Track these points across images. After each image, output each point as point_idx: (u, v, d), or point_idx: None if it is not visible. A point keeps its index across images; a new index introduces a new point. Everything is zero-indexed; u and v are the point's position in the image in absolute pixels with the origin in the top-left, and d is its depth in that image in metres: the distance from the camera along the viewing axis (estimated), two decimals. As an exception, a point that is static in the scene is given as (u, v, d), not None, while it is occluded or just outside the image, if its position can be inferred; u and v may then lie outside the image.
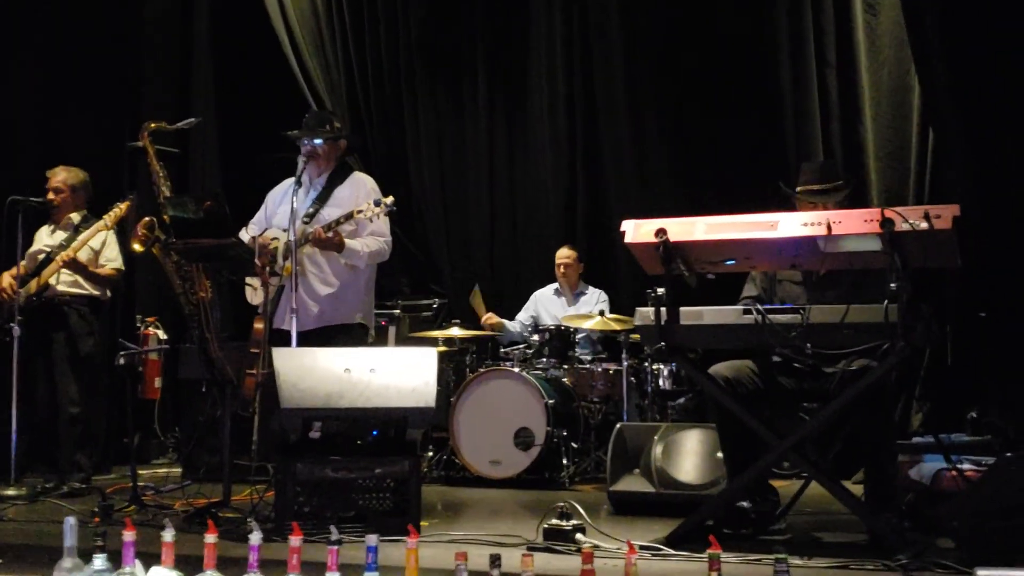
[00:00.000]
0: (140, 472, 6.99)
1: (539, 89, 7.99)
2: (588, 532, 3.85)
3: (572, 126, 7.87)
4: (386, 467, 4.18)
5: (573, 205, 7.86)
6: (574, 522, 3.80)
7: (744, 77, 7.17)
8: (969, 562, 3.29)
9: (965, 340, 5.13)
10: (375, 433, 4.23)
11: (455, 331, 6.72)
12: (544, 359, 6.50)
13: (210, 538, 3.25)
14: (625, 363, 6.32)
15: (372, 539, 3.04)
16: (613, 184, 7.70)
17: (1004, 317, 3.76)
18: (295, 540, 3.13)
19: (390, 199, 4.95)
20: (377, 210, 4.86)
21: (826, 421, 3.87)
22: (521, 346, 6.74)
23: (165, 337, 7.93)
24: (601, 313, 6.52)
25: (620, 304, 7.10)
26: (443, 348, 6.81)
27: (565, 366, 6.54)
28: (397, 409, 4.21)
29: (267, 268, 4.77)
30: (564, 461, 6.06)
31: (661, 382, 6.43)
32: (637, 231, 4.03)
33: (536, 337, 6.60)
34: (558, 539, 3.77)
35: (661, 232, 3.93)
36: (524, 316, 7.22)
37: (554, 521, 3.81)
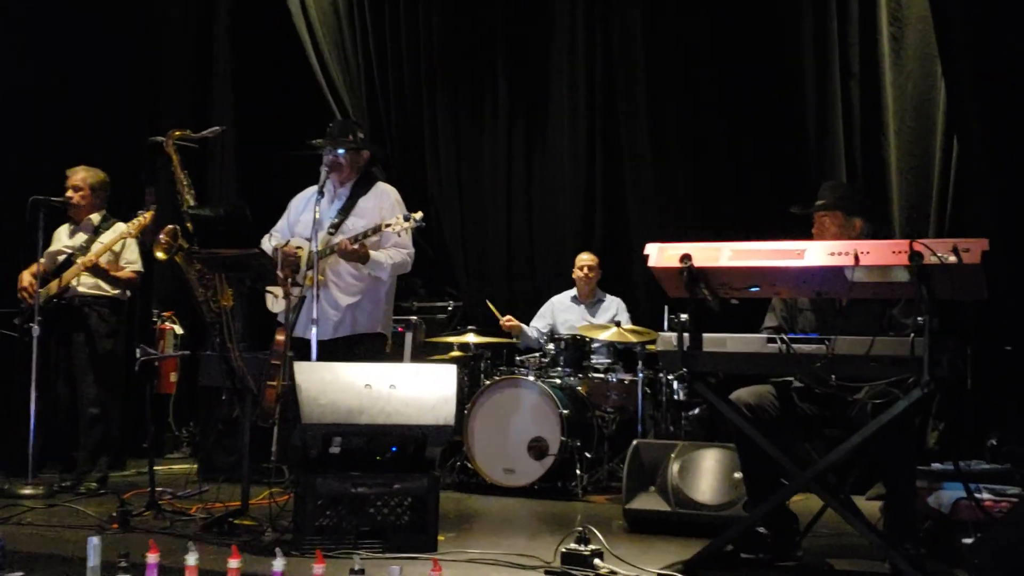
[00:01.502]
0: (156, 468, 7.07)
1: (559, 97, 7.97)
2: (606, 557, 3.84)
3: (591, 134, 7.84)
4: (405, 483, 4.18)
5: (591, 213, 7.84)
6: (592, 547, 3.80)
7: (768, 88, 7.13)
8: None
9: (987, 368, 5.13)
10: (394, 449, 4.23)
11: (471, 337, 6.70)
12: (559, 368, 6.50)
13: (233, 563, 3.27)
14: (640, 374, 6.31)
15: (395, 571, 3.05)
16: (631, 193, 7.66)
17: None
18: (318, 568, 3.15)
19: (419, 215, 4.95)
20: (406, 225, 4.86)
21: (848, 453, 3.86)
22: (537, 354, 6.73)
23: (181, 332, 7.97)
24: (617, 324, 6.49)
25: (636, 313, 7.09)
26: (458, 354, 6.80)
27: (580, 375, 6.53)
28: (417, 426, 4.20)
29: (289, 279, 4.77)
30: (578, 471, 6.05)
31: (676, 394, 6.42)
32: (661, 255, 4.01)
33: (552, 346, 6.58)
34: (576, 564, 3.77)
35: (686, 257, 3.92)
36: (540, 324, 7.20)
37: (572, 545, 3.81)
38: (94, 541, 3.19)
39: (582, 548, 3.79)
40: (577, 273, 7.20)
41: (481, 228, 8.24)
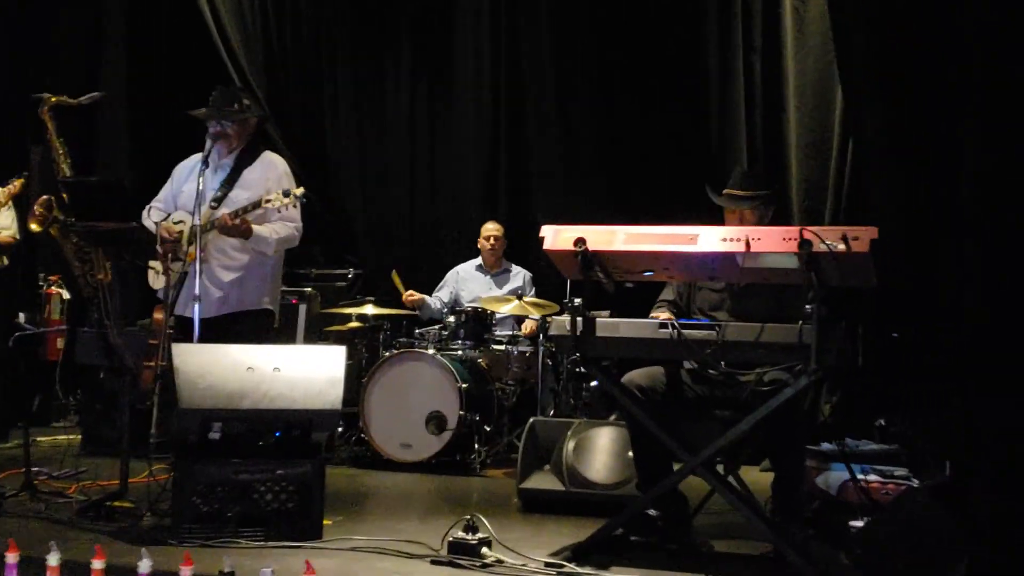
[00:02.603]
0: (40, 439, 6.80)
1: (464, 63, 7.81)
2: (494, 545, 3.76)
3: (496, 102, 7.72)
4: (289, 469, 4.03)
5: (495, 181, 7.74)
6: (480, 535, 3.71)
7: (672, 59, 7.08)
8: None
9: (879, 351, 5.16)
10: (278, 434, 4.07)
11: (369, 308, 6.54)
12: (460, 340, 6.38)
13: (97, 564, 3.11)
14: (541, 347, 6.24)
15: (267, 573, 2.92)
16: (536, 162, 7.55)
17: (917, 337, 3.73)
18: (186, 571, 3.01)
19: (300, 190, 4.74)
20: (287, 201, 4.66)
21: (736, 437, 3.83)
22: (436, 327, 6.60)
23: (68, 297, 7.64)
24: (519, 297, 6.39)
25: (544, 285, 6.99)
26: (356, 325, 6.63)
27: (481, 348, 6.42)
28: (301, 411, 4.05)
29: (169, 255, 4.55)
30: (476, 445, 5.97)
31: (577, 366, 6.36)
32: (556, 238, 3.92)
33: (452, 318, 6.46)
34: (463, 553, 3.67)
35: (580, 241, 3.83)
36: (443, 294, 7.06)
37: (460, 534, 3.72)
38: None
39: (469, 537, 3.69)
40: (483, 243, 7.08)
41: (383, 194, 8.06)
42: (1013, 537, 2.93)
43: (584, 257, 3.83)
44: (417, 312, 6.93)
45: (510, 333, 6.61)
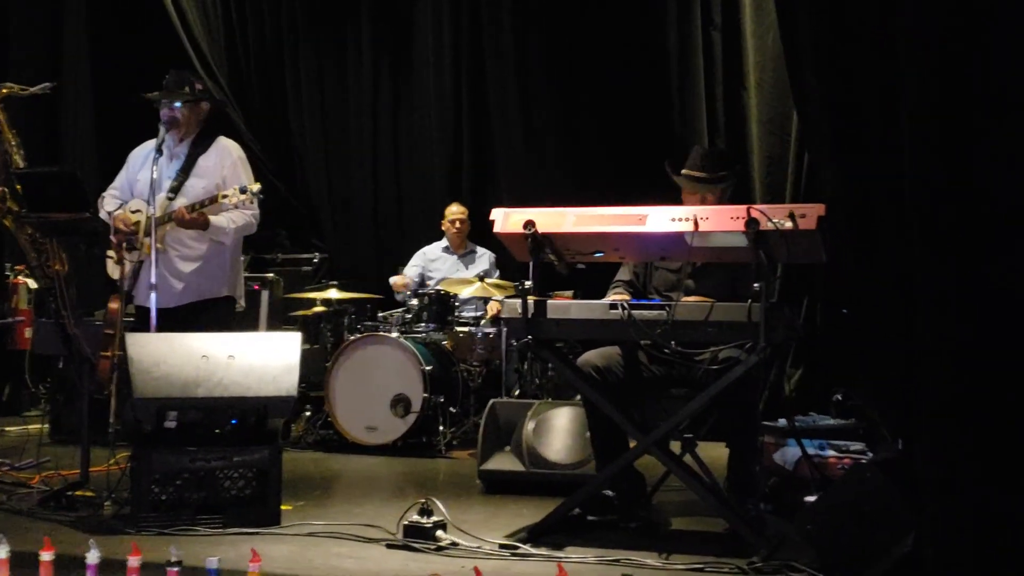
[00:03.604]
0: (9, 429, 6.78)
1: (425, 39, 7.75)
2: (449, 529, 3.77)
3: (458, 79, 7.67)
4: (245, 456, 4.03)
5: (459, 163, 7.70)
6: (435, 518, 3.72)
7: (633, 36, 7.03)
8: (823, 567, 3.33)
9: (830, 328, 5.22)
10: (234, 422, 4.06)
11: (333, 293, 6.52)
12: (424, 323, 6.38)
13: (46, 556, 3.10)
14: (505, 328, 6.23)
15: (213, 562, 2.92)
16: (499, 143, 7.52)
17: (866, 312, 3.75)
18: (134, 561, 3.00)
19: (257, 186, 4.71)
20: (243, 197, 4.62)
21: (688, 416, 3.85)
22: (400, 310, 6.59)
23: (36, 286, 7.58)
24: (482, 279, 6.39)
25: (512, 266, 6.97)
26: (321, 309, 6.62)
27: (446, 330, 6.42)
28: (256, 398, 4.04)
29: (123, 245, 4.51)
30: (441, 427, 5.98)
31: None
32: (506, 220, 3.92)
33: (416, 301, 6.45)
34: (418, 536, 3.68)
35: (530, 224, 3.83)
36: (412, 272, 7.04)
37: (415, 517, 3.73)
38: None
39: (424, 520, 3.70)
40: (447, 226, 7.06)
41: (347, 179, 8.03)
42: (953, 510, 2.95)
43: (534, 239, 3.83)
44: (398, 295, 6.90)
45: (475, 315, 6.61)
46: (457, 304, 6.54)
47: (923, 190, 2.99)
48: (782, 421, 4.58)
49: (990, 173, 2.87)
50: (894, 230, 3.19)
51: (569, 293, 6.01)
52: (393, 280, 6.90)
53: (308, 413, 6.42)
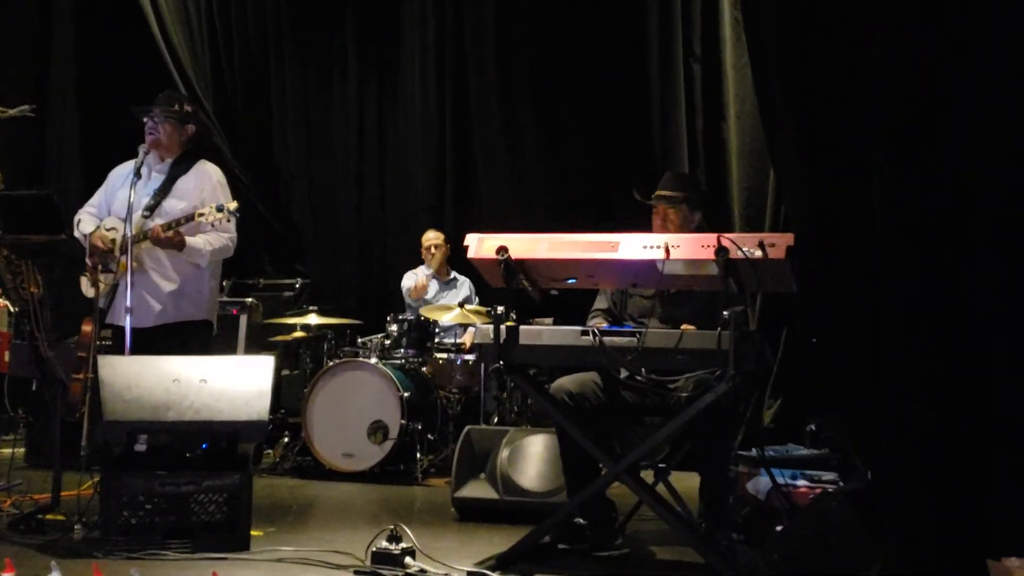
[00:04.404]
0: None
1: (410, 71, 7.81)
2: (418, 556, 3.76)
3: (442, 109, 7.71)
4: (216, 480, 4.02)
5: (442, 188, 7.74)
6: (404, 545, 3.71)
7: (616, 66, 7.10)
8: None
9: (803, 357, 5.24)
10: (205, 446, 4.06)
11: (312, 318, 6.53)
12: (403, 349, 6.38)
13: (7, 576, 3.09)
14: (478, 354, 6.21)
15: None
16: (483, 169, 7.58)
17: (836, 342, 3.78)
18: None
19: (234, 204, 4.72)
20: (220, 216, 4.63)
21: (657, 444, 3.86)
22: (379, 336, 6.59)
23: (16, 310, 7.58)
24: (460, 305, 6.40)
25: (487, 293, 7.00)
26: (301, 335, 6.62)
27: (425, 356, 6.43)
28: (227, 423, 4.04)
29: (99, 267, 4.52)
30: (419, 454, 5.97)
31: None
32: (480, 246, 3.94)
33: (395, 327, 6.45)
34: (386, 563, 3.67)
35: (503, 249, 3.85)
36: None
37: (383, 544, 3.71)
38: None
39: (392, 547, 3.69)
40: (424, 252, 7.09)
41: (331, 205, 8.06)
42: (919, 541, 2.96)
43: (507, 265, 3.85)
44: (412, 302, 6.92)
45: (455, 341, 6.61)
46: (437, 331, 6.55)
47: (891, 216, 3.03)
48: (756, 450, 4.58)
49: (957, 201, 2.91)
50: (859, 258, 3.22)
51: (549, 320, 6.05)
52: (407, 286, 6.85)
53: (286, 439, 6.40)
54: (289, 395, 6.60)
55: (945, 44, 2.90)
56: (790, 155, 3.63)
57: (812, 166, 3.57)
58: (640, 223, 4.46)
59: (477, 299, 7.03)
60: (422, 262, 7.17)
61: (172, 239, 4.68)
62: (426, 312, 6.54)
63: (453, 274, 7.17)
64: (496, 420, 6.27)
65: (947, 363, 2.89)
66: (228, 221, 4.73)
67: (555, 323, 5.61)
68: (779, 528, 3.80)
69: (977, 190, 2.83)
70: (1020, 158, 2.79)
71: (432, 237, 7.10)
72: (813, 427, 4.73)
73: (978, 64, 2.84)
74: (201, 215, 4.63)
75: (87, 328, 4.49)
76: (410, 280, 7.08)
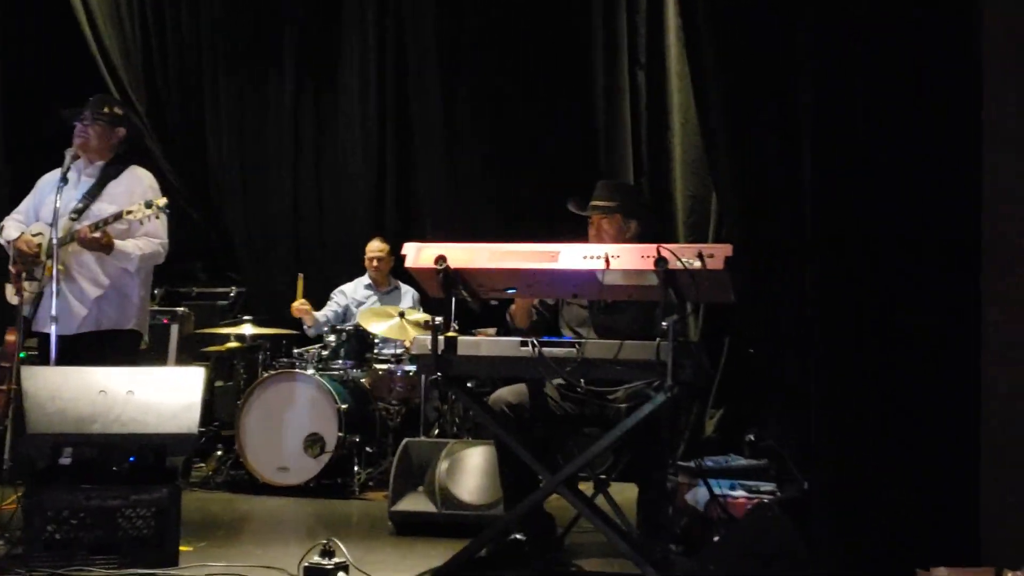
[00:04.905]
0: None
1: (349, 70, 7.78)
2: (351, 571, 3.77)
3: (382, 117, 7.71)
4: (143, 495, 3.99)
5: (382, 197, 7.74)
6: (336, 560, 3.71)
7: (560, 73, 7.17)
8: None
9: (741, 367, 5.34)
10: (132, 460, 4.03)
11: (247, 328, 6.49)
12: (341, 360, 6.38)
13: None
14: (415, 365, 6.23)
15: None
16: (423, 175, 7.60)
17: (772, 351, 3.87)
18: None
19: (163, 201, 4.69)
20: (148, 212, 4.61)
21: (593, 455, 3.92)
22: (316, 347, 6.57)
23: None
24: (401, 315, 6.42)
25: (435, 303, 6.97)
26: (235, 345, 6.58)
27: (364, 367, 6.42)
28: (155, 436, 4.01)
29: (23, 275, 4.47)
30: (356, 468, 5.97)
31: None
32: (418, 256, 3.96)
33: (332, 338, 6.44)
34: (319, 579, 3.68)
35: (441, 259, 3.88)
36: (330, 310, 7.01)
37: (316, 559, 3.72)
38: None
39: (325, 562, 3.70)
40: (367, 263, 7.07)
41: (266, 210, 7.98)
42: (853, 551, 3.04)
43: (446, 275, 3.88)
44: (306, 327, 6.88)
45: (394, 352, 6.61)
46: (376, 341, 6.55)
47: (822, 224, 3.12)
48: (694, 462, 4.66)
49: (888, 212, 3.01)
50: (791, 267, 3.30)
51: (492, 331, 6.07)
52: (298, 307, 6.81)
53: (219, 452, 6.36)
54: (223, 407, 6.56)
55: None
56: (724, 164, 3.72)
57: (744, 175, 3.66)
58: (585, 234, 4.53)
59: (421, 309, 7.03)
60: (364, 272, 7.16)
61: (100, 240, 4.63)
62: (361, 321, 6.53)
63: (394, 283, 7.17)
64: (437, 432, 6.26)
65: (881, 372, 2.98)
66: (157, 218, 4.70)
67: (499, 334, 5.64)
68: (716, 539, 3.86)
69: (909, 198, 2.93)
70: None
71: (376, 248, 7.07)
72: (752, 437, 4.82)
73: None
74: (130, 212, 4.59)
75: (10, 338, 4.46)
76: (338, 299, 7.05)
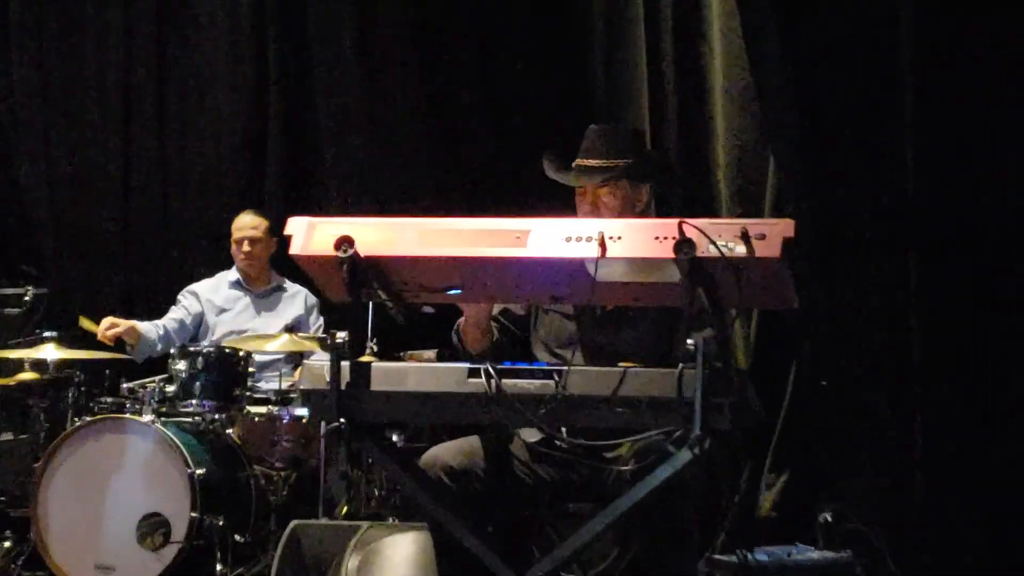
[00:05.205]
0: None
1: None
2: None
3: (262, 20, 7.81)
4: None
5: (262, 146, 7.74)
6: None
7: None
8: None
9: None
10: None
11: (50, 350, 6.48)
12: (195, 400, 6.34)
13: None
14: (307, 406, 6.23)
15: None
16: (325, 117, 7.66)
17: (859, 384, 3.87)
18: None
19: None
20: None
21: (585, 545, 3.89)
22: (157, 379, 6.54)
23: None
24: (289, 330, 6.41)
25: (332, 309, 7.01)
26: (32, 376, 6.57)
27: (232, 411, 6.42)
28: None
29: None
30: (220, 566, 5.96)
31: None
32: (309, 237, 3.83)
33: (183, 364, 6.38)
34: None
35: (345, 241, 3.77)
36: (169, 323, 6.98)
37: None
38: None
39: None
40: (234, 249, 7.08)
41: (83, 178, 8.04)
42: None
43: (352, 267, 3.78)
44: (130, 353, 6.82)
45: (279, 387, 6.59)
46: (252, 370, 6.52)
47: (934, 201, 3.13)
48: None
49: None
50: (886, 259, 3.32)
51: (431, 354, 6.04)
52: (107, 331, 6.68)
53: (7, 543, 6.35)
54: (10, 473, 6.52)
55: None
56: (781, 107, 3.75)
57: (816, 126, 3.69)
58: (567, 206, 4.49)
59: (322, 320, 7.02)
60: (229, 263, 7.15)
61: None
62: (235, 341, 6.52)
63: (277, 282, 7.17)
64: (344, 511, 6.27)
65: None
66: None
67: (441, 359, 5.62)
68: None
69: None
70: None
71: (247, 225, 7.08)
72: (828, 517, 4.83)
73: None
74: None
75: None
76: (188, 303, 7.07)
